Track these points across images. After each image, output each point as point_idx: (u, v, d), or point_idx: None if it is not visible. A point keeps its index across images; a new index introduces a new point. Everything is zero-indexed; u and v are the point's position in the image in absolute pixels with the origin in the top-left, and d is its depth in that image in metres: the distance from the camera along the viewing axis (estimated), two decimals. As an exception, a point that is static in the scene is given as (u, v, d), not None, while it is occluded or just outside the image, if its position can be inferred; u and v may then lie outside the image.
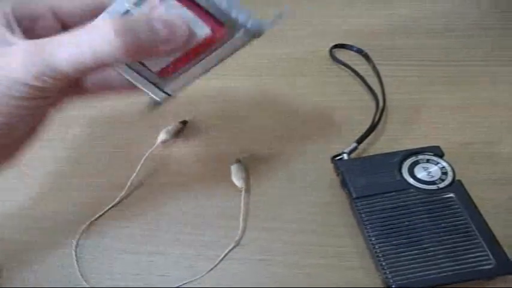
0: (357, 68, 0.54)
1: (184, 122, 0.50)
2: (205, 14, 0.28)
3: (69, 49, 0.27)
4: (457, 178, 0.40)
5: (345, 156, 0.43)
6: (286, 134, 0.48)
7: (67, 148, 0.49)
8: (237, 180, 0.44)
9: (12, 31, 0.30)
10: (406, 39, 0.58)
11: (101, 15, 0.29)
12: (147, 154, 0.46)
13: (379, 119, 0.48)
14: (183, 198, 0.44)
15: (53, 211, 0.44)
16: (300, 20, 0.62)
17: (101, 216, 0.43)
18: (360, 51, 0.56)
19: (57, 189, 0.46)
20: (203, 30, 0.29)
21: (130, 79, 0.32)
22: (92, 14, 0.30)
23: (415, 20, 0.61)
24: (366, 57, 0.56)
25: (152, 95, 0.34)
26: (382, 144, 0.47)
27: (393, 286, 0.34)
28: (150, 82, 0.33)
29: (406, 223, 0.38)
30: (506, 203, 0.42)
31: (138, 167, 0.45)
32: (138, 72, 0.32)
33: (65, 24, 0.33)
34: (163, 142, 0.48)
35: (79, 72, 0.28)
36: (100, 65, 0.28)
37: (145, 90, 0.33)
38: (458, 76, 0.53)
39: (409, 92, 0.52)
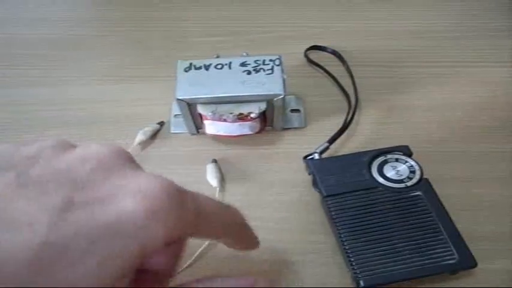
0: (331, 69, 0.55)
1: (161, 123, 0.51)
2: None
3: None
4: (425, 176, 0.41)
5: (316, 155, 0.44)
6: (260, 134, 0.49)
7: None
8: (212, 179, 0.45)
9: None
10: (379, 41, 0.60)
11: None
12: (123, 155, 0.47)
13: (351, 119, 0.49)
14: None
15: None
16: (275, 21, 0.64)
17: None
18: (334, 53, 0.57)
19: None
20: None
21: None
22: None
23: (388, 22, 0.62)
24: (340, 58, 0.57)
25: None
26: (354, 144, 0.48)
27: (361, 282, 0.35)
28: None
29: (375, 221, 0.39)
30: (471, 200, 0.43)
31: (115, 168, 0.46)
32: None
33: None
34: (141, 143, 0.48)
35: None
36: None
37: None
38: (430, 77, 0.55)
39: (382, 93, 0.53)
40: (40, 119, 0.52)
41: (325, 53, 0.58)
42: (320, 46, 0.58)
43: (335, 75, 0.55)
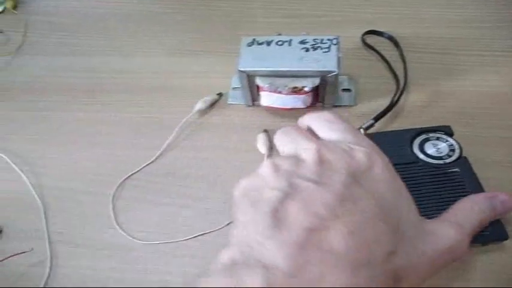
0: (386, 54, 0.57)
1: (219, 94, 0.55)
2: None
3: None
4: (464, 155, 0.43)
5: (361, 131, 0.47)
6: (311, 109, 0.51)
7: (112, 112, 0.55)
8: (262, 147, 0.48)
9: None
10: (433, 29, 0.61)
11: None
12: (184, 120, 0.51)
13: (398, 99, 0.51)
14: (211, 160, 0.49)
15: (95, 165, 0.50)
16: (335, 7, 0.66)
17: (137, 171, 0.49)
18: (390, 38, 0.59)
19: (100, 146, 0.52)
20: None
21: None
22: None
23: (443, 10, 0.63)
24: (396, 44, 0.58)
25: None
26: (398, 123, 0.50)
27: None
28: None
29: (411, 192, 0.40)
30: (510, 184, 0.44)
31: (175, 131, 0.51)
32: None
33: None
34: (200, 110, 0.53)
35: None
36: None
37: None
38: (480, 65, 0.55)
39: (431, 78, 0.54)
40: (111, 84, 0.59)
41: (380, 37, 0.60)
42: (377, 31, 0.60)
43: (388, 59, 0.56)
